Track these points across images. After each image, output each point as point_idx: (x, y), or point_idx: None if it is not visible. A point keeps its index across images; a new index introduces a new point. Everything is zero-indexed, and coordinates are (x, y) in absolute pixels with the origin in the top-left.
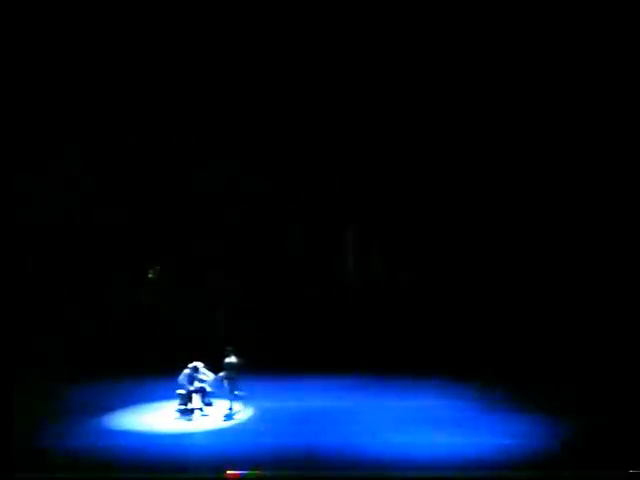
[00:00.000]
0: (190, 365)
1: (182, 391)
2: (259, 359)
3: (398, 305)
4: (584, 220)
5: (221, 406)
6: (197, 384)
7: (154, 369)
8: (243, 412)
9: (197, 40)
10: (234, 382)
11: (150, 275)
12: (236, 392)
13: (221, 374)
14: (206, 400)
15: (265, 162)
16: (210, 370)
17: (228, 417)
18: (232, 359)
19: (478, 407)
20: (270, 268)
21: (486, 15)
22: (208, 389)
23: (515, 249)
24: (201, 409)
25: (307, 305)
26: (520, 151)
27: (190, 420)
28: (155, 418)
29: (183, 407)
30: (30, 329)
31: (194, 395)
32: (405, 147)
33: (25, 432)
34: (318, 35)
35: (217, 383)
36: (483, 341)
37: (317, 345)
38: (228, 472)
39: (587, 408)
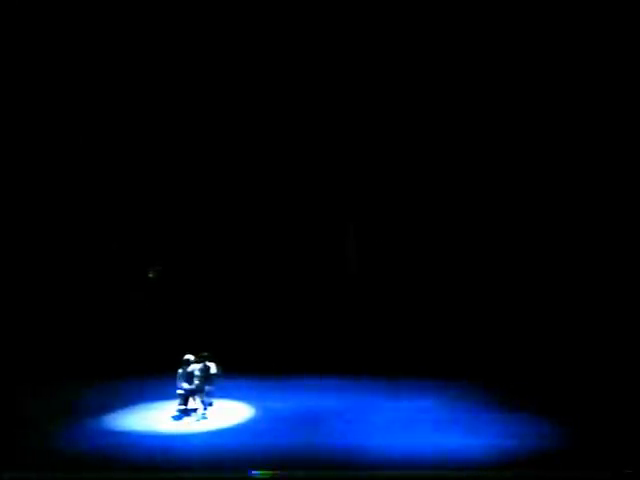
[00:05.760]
0: (183, 358)
1: (181, 391)
2: (258, 359)
3: (398, 305)
4: (583, 220)
5: (220, 406)
6: (196, 382)
7: (154, 369)
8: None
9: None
10: (201, 387)
11: (150, 275)
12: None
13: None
14: (206, 400)
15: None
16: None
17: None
18: (208, 366)
19: (478, 407)
20: (268, 268)
21: (486, 15)
22: (196, 382)
23: (514, 249)
24: (205, 408)
25: (306, 305)
26: (520, 151)
27: (190, 420)
28: (155, 418)
29: (183, 407)
30: (29, 329)
31: (194, 395)
32: (404, 146)
33: (25, 432)
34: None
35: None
36: (483, 341)
37: (317, 345)
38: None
39: (586, 408)
